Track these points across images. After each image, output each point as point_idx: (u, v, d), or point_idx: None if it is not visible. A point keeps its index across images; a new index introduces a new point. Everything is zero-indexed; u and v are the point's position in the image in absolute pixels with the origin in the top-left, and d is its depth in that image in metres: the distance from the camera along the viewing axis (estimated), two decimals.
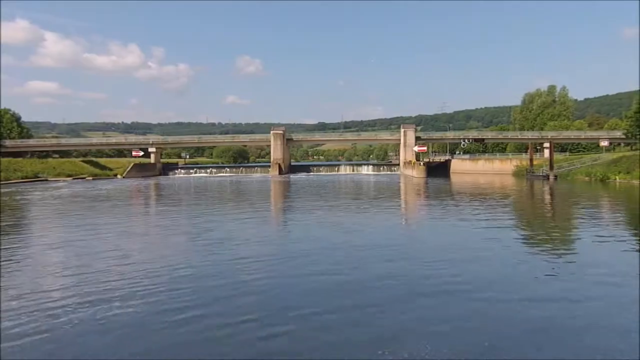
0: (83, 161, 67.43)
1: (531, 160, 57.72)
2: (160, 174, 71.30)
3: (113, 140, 73.88)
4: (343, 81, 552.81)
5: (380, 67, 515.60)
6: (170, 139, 78.74)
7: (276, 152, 74.08)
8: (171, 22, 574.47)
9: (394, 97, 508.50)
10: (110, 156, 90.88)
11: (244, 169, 76.82)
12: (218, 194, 38.01)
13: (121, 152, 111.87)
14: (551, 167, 50.48)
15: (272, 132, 74.79)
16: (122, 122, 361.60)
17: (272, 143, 74.45)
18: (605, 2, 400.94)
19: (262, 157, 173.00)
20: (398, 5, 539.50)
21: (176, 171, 73.07)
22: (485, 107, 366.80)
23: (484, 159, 71.17)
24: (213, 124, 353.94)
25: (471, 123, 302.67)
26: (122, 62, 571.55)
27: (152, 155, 71.76)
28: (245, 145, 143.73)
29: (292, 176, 65.79)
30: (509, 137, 73.67)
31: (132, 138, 76.07)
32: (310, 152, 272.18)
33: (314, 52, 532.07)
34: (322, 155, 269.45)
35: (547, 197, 33.53)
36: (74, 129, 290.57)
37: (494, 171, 67.32)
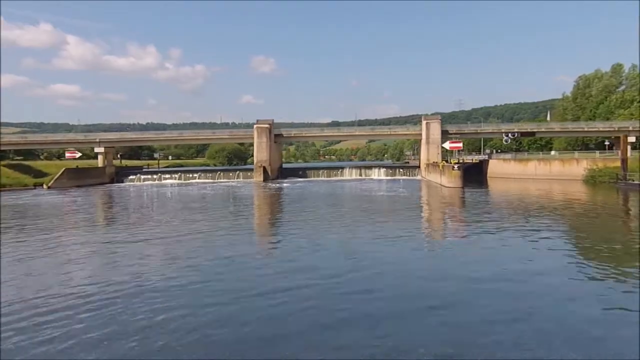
0: (7, 165, 49.97)
1: (624, 161, 37.22)
2: (112, 181, 53.49)
3: (50, 138, 55.92)
4: (357, 80, 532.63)
5: (393, 65, 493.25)
6: (125, 135, 59.54)
7: (260, 152, 55.36)
8: (188, 23, 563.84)
9: (409, 95, 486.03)
10: (91, 157, 74.21)
11: (222, 174, 58.36)
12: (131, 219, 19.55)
13: None
14: None
15: (255, 126, 56.09)
16: (138, 123, 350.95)
17: (255, 140, 55.69)
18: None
19: None
20: (410, 4, 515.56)
21: (134, 177, 55.15)
22: (505, 104, 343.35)
23: (536, 159, 50.84)
24: (227, 124, 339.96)
25: (491, 120, 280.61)
26: (140, 63, 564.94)
27: (100, 157, 53.69)
28: (251, 144, 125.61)
29: (274, 185, 46.84)
30: (570, 129, 52.69)
31: (80, 136, 57.29)
32: (322, 152, 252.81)
33: (328, 51, 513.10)
34: (333, 155, 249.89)
35: None
36: (91, 130, 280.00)
37: (551, 176, 47.34)
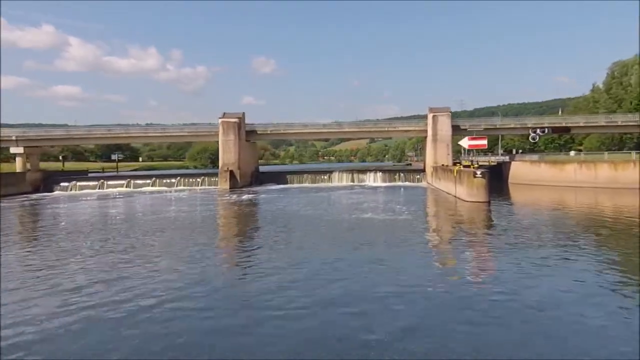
0: None
1: None
2: (36, 190, 41.73)
3: None
4: (358, 80, 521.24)
5: (393, 65, 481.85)
6: (42, 132, 44.55)
7: (227, 153, 43.59)
8: (188, 24, 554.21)
9: (409, 95, 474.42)
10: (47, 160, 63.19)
11: (183, 180, 46.68)
12: None
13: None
14: None
15: (220, 120, 44.31)
16: (137, 124, 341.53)
17: (220, 138, 43.91)
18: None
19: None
20: (410, 4, 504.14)
21: (67, 184, 43.34)
22: (509, 104, 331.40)
23: (576, 161, 38.81)
24: None
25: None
26: (141, 64, 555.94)
27: (19, 160, 41.76)
28: None
29: (232, 196, 34.71)
30: (620, 123, 40.60)
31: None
32: (321, 153, 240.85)
33: (328, 51, 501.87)
34: (333, 156, 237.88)
35: None
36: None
37: (597, 183, 35.51)
